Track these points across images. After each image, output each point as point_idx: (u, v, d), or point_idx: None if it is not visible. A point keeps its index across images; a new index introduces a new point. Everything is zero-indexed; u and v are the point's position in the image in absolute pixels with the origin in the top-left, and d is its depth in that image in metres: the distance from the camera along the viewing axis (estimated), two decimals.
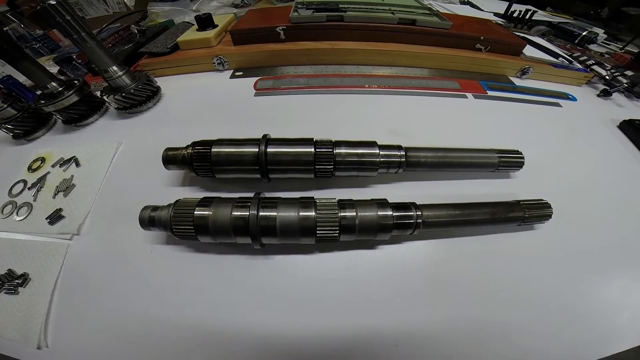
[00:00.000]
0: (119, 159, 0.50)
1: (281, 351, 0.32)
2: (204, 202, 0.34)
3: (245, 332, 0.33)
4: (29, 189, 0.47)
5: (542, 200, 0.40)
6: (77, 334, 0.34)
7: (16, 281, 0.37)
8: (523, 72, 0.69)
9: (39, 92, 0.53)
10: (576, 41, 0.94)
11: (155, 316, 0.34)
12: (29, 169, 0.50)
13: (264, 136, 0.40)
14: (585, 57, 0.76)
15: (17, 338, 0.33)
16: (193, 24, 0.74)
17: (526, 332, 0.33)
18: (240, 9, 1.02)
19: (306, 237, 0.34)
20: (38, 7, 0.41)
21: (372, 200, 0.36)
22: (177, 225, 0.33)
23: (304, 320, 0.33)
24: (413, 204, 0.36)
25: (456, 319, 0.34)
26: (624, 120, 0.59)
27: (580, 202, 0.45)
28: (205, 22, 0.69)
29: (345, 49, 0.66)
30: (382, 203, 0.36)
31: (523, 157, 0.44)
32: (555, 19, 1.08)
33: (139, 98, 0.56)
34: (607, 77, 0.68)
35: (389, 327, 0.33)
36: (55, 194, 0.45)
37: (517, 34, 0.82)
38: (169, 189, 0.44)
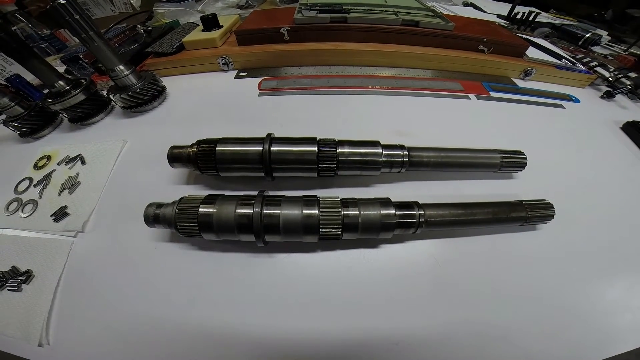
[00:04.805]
0: (124, 157, 0.50)
1: (282, 350, 0.32)
2: (209, 200, 0.35)
3: (247, 331, 0.33)
4: (34, 186, 0.47)
5: (545, 200, 0.40)
6: (79, 331, 0.34)
7: (19, 278, 0.37)
8: (526, 74, 0.69)
9: (46, 91, 0.54)
10: (580, 43, 0.93)
11: (157, 314, 0.34)
12: (35, 166, 0.50)
13: (268, 135, 0.40)
14: (588, 59, 0.75)
15: (18, 335, 0.33)
16: (198, 25, 0.75)
17: (528, 333, 0.33)
18: (245, 10, 1.03)
19: (309, 235, 0.34)
20: (48, 7, 0.42)
21: (375, 199, 0.37)
22: (181, 223, 0.34)
23: (306, 319, 0.33)
24: (416, 203, 0.36)
25: (458, 319, 0.34)
26: (627, 122, 0.59)
27: (583, 203, 0.45)
28: (210, 22, 0.70)
29: (349, 50, 0.67)
30: (385, 202, 0.36)
31: (525, 158, 0.44)
32: (559, 21, 1.08)
33: (145, 97, 0.56)
34: (610, 79, 0.68)
35: (390, 326, 0.33)
36: (61, 192, 0.46)
37: (520, 35, 0.82)
38: (173, 187, 0.45)
